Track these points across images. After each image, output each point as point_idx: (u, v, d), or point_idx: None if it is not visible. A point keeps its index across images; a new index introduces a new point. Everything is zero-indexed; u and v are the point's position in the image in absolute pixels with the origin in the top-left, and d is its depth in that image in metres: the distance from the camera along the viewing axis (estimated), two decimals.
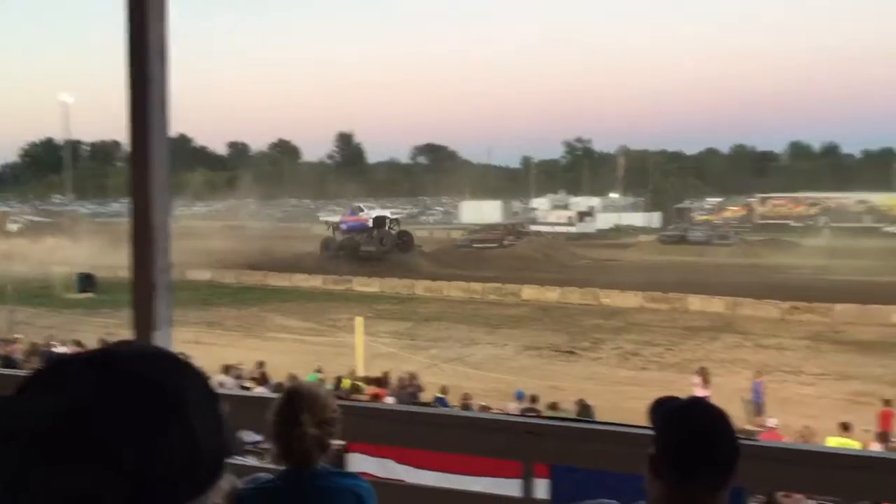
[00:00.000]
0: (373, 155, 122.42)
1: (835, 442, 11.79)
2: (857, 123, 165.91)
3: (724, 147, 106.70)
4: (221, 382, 14.52)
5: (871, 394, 19.06)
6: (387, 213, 47.09)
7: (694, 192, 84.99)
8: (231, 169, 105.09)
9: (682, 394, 2.10)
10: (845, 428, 13.06)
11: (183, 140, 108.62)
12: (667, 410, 1.85)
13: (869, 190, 67.23)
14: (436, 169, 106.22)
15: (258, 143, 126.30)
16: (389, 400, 14.39)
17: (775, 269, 41.88)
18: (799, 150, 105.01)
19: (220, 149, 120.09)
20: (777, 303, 30.92)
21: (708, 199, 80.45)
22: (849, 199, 66.07)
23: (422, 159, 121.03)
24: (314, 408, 2.39)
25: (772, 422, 14.33)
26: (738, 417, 16.41)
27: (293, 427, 2.34)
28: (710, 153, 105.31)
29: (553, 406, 15.30)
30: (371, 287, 38.43)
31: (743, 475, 3.36)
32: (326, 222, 47.74)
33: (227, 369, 16.73)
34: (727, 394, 18.34)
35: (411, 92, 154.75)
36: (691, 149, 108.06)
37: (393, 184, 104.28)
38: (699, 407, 1.85)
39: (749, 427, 14.73)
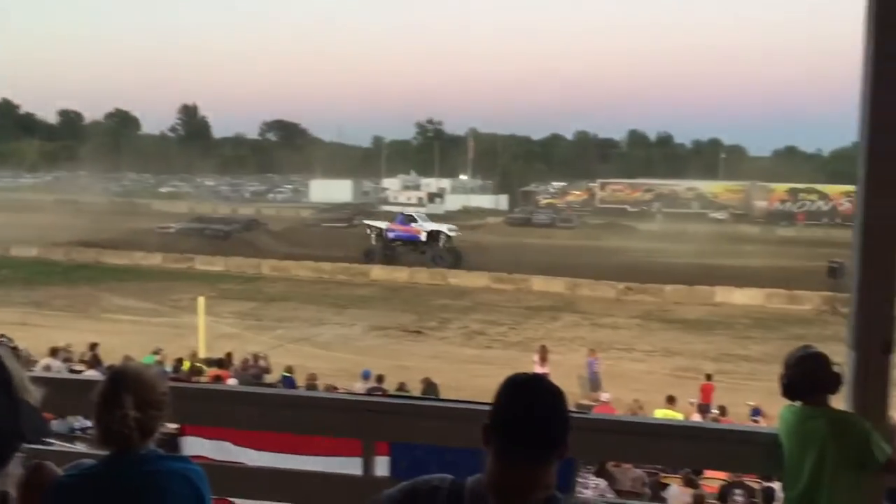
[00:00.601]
0: (219, 129, 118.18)
1: (661, 414, 12.58)
2: (688, 115, 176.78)
3: (569, 133, 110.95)
4: (48, 366, 13.64)
5: (694, 368, 20.48)
6: (443, 227, 40.37)
7: (540, 176, 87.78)
8: (62, 139, 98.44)
9: (524, 371, 2.14)
10: (671, 401, 13.96)
11: (7, 106, 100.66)
12: (503, 384, 1.89)
13: (698, 178, 71.91)
14: (286, 146, 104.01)
15: (94, 112, 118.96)
16: (232, 381, 14.02)
17: (613, 251, 44.03)
18: (636, 139, 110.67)
19: (50, 117, 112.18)
20: (613, 283, 32.56)
21: (553, 184, 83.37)
22: (680, 186, 70.35)
23: (271, 136, 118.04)
24: (138, 389, 2.27)
25: (605, 396, 15.09)
26: (575, 393, 17.24)
27: (113, 409, 2.21)
28: (556, 139, 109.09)
29: (400, 386, 15.43)
30: (215, 266, 37.22)
31: (576, 447, 3.51)
32: (369, 226, 41.31)
33: (54, 352, 15.70)
34: (565, 370, 19.16)
35: (260, 65, 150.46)
36: (538, 134, 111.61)
37: (240, 160, 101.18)
38: (531, 382, 1.89)
39: (584, 402, 15.44)
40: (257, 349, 19.71)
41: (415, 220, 40.16)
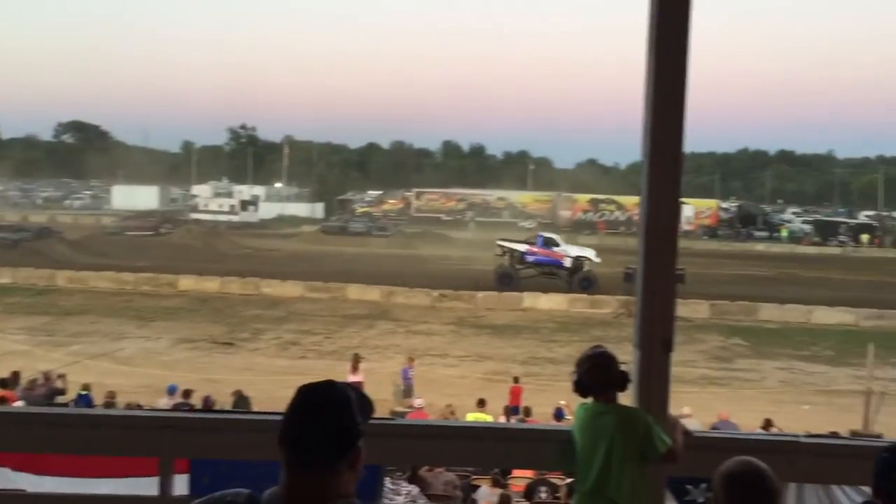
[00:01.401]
0: (9, 130, 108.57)
1: (472, 417, 12.93)
2: (499, 128, 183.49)
3: (385, 143, 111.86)
4: None
5: (504, 372, 21.21)
6: (590, 253, 38.18)
7: (356, 184, 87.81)
8: None
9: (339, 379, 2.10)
10: (481, 404, 14.39)
11: None
12: (294, 394, 1.87)
13: (508, 188, 74.75)
14: (85, 149, 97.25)
15: None
16: (19, 403, 12.88)
17: (428, 259, 44.81)
18: (451, 150, 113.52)
19: None
20: (428, 291, 33.12)
21: (369, 192, 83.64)
22: (491, 195, 72.80)
23: (68, 137, 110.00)
24: None
25: (419, 402, 15.29)
26: (389, 401, 17.36)
27: None
28: (373, 148, 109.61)
29: (205, 400, 14.83)
30: (1, 278, 34.15)
31: (385, 453, 3.55)
32: (502, 247, 38.26)
33: None
34: (380, 378, 19.26)
35: (55, 63, 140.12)
36: (355, 143, 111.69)
37: (33, 163, 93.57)
38: (314, 390, 1.87)
39: (398, 408, 15.57)
40: (50, 367, 18.24)
41: (556, 244, 38.32)
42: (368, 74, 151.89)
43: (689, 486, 3.55)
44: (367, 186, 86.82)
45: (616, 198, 67.56)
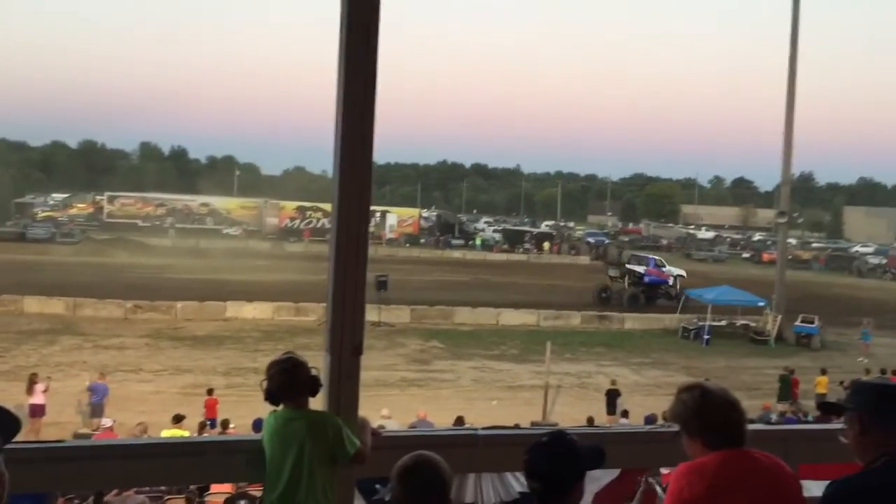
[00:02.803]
0: None
1: (168, 434, 12.27)
2: (203, 131, 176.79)
3: (73, 142, 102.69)
4: None
5: (205, 385, 20.37)
6: (682, 272, 41.90)
7: (37, 186, 79.58)
8: None
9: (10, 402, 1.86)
10: (178, 420, 13.70)
11: None
12: None
13: (212, 194, 72.25)
14: None
15: None
16: None
17: (121, 268, 41.82)
18: (149, 152, 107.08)
19: None
20: (121, 302, 30.91)
21: (53, 195, 76.28)
22: (194, 201, 69.80)
23: None
24: None
25: (107, 422, 14.21)
26: (73, 422, 15.93)
27: None
28: (57, 147, 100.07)
29: None
30: None
31: (58, 479, 3.23)
32: (622, 270, 41.19)
33: None
34: (65, 398, 17.62)
35: None
36: (36, 140, 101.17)
37: None
38: None
39: (84, 430, 14.32)
40: None
41: (664, 266, 41.60)
42: (59, 69, 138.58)
43: (377, 486, 3.66)
44: (50, 189, 79.03)
45: (323, 205, 68.15)
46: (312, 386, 3.30)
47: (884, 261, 64.82)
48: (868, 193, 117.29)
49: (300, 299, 32.21)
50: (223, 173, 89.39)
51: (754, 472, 2.60)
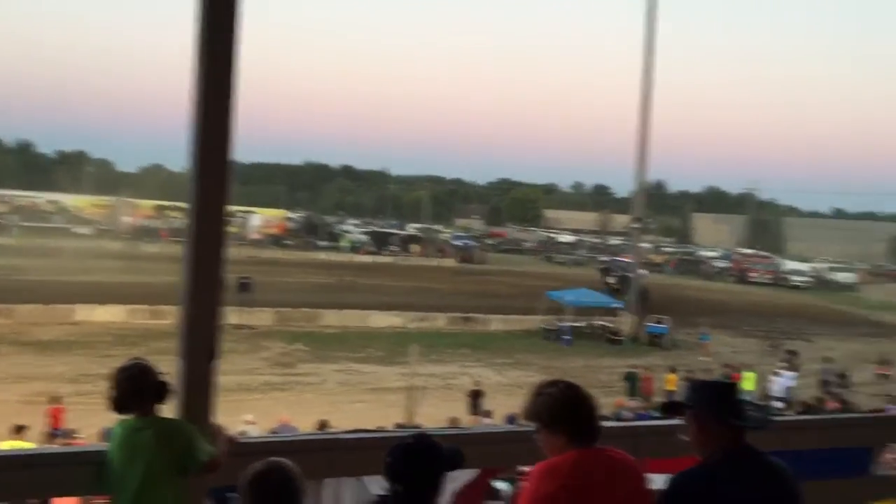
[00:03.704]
0: None
1: (8, 446, 11.46)
2: (53, 124, 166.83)
3: None
4: None
5: (51, 392, 19.19)
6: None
7: None
8: None
9: None
10: (18, 430, 12.83)
11: None
12: None
13: (61, 191, 68.23)
14: None
15: None
16: None
17: None
18: None
19: None
20: None
21: None
22: (41, 198, 65.76)
23: None
24: None
25: None
26: None
27: None
28: None
29: None
30: None
31: None
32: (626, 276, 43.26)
33: None
34: None
35: None
36: None
37: None
38: None
39: None
40: None
41: None
42: None
43: (229, 494, 3.54)
44: None
45: (183, 205, 65.69)
46: (161, 392, 3.16)
47: (728, 264, 69.26)
48: (715, 201, 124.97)
49: (157, 302, 30.83)
50: (74, 169, 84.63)
51: (607, 469, 2.70)
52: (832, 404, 20.63)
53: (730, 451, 2.65)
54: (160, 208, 64.68)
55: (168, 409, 3.23)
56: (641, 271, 46.05)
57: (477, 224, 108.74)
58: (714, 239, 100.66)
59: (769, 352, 29.80)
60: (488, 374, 26.43)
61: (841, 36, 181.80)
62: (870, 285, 61.55)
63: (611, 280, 45.15)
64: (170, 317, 29.80)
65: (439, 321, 34.73)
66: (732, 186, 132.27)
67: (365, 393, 23.58)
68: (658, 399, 21.96)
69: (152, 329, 28.83)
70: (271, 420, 15.64)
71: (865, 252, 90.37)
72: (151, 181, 79.97)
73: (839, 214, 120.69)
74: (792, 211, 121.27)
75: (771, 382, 24.52)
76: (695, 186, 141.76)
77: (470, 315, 35.99)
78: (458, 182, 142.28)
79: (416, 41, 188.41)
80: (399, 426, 15.79)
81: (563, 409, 2.75)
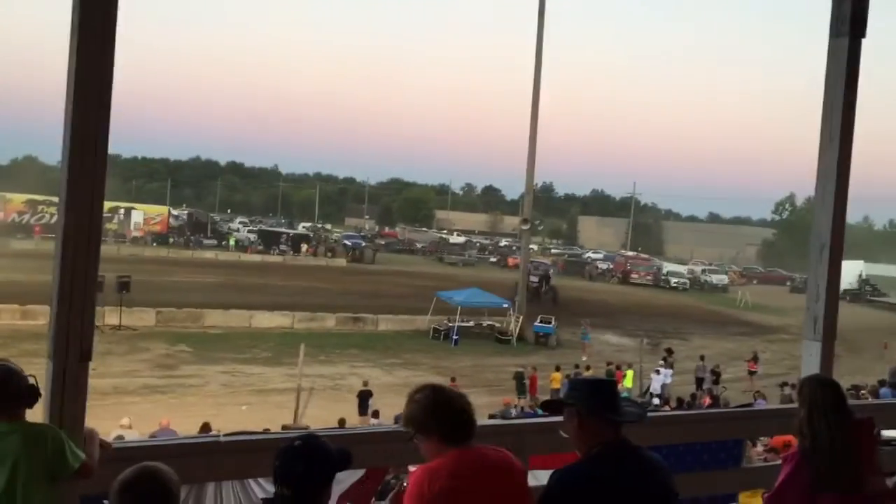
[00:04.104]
0: None
1: None
2: None
3: None
4: None
5: None
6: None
7: None
8: None
9: None
10: None
11: None
12: None
13: None
14: None
15: None
16: None
17: None
18: None
19: None
20: None
21: None
22: None
23: None
24: None
25: None
26: None
27: None
28: None
29: None
30: None
31: None
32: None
33: None
34: None
35: None
36: None
37: None
38: None
39: None
40: None
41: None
42: None
43: (105, 501, 3.40)
44: None
45: (57, 199, 62.54)
46: (29, 396, 2.99)
47: (611, 266, 71.66)
48: (600, 204, 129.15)
49: (28, 301, 29.29)
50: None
51: (485, 468, 2.74)
52: (706, 400, 21.68)
53: (607, 446, 2.75)
54: (33, 203, 61.31)
55: (36, 414, 3.06)
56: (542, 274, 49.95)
57: (368, 224, 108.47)
58: (598, 241, 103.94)
59: (648, 350, 30.96)
60: (377, 374, 26.38)
61: (725, 42, 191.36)
62: (741, 287, 64.94)
63: (533, 279, 47.00)
64: (42, 317, 28.35)
65: (328, 321, 34.42)
66: (616, 191, 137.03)
67: (251, 394, 23.11)
68: (544, 397, 22.50)
69: (21, 330, 27.35)
70: (151, 424, 15.07)
71: (737, 255, 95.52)
72: (24, 174, 75.80)
73: (714, 219, 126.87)
74: (671, 215, 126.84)
75: (650, 380, 25.54)
76: (581, 190, 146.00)
77: (360, 315, 35.82)
78: (349, 181, 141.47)
79: (311, 38, 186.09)
80: (286, 428, 15.55)
81: (433, 412, 2.80)
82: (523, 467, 2.96)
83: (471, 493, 2.67)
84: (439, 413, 2.79)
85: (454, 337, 32.90)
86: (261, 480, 3.68)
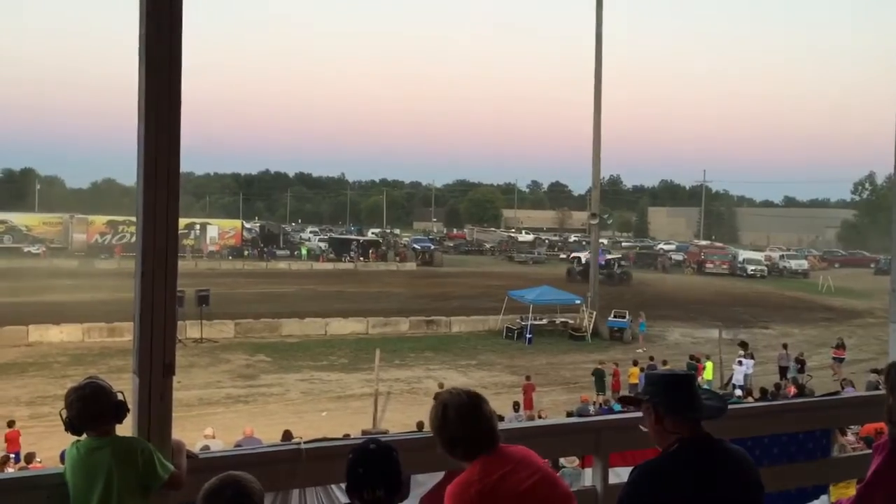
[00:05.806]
0: None
1: None
2: None
3: None
4: None
5: (6, 416, 18.77)
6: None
7: None
8: None
9: None
10: None
11: None
12: None
13: (9, 209, 66.78)
14: None
15: None
16: None
17: None
18: None
19: None
20: None
21: None
22: None
23: None
24: None
25: None
26: None
27: None
28: None
29: None
30: None
31: None
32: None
33: None
34: None
35: None
36: None
37: None
38: None
39: None
40: None
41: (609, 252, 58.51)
42: None
43: None
44: None
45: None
46: (117, 411, 3.10)
47: (685, 256, 70.27)
48: (670, 194, 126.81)
49: (113, 319, 30.34)
50: (22, 186, 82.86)
51: (514, 469, 2.78)
52: (791, 389, 21.04)
53: (687, 441, 2.70)
54: (114, 224, 63.59)
55: (126, 428, 3.17)
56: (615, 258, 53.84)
57: (436, 227, 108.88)
58: (669, 231, 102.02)
59: (728, 341, 30.23)
60: (453, 375, 26.45)
61: (790, 29, 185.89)
62: (822, 271, 62.88)
63: (577, 267, 48.21)
64: (128, 334, 29.35)
65: (402, 325, 34.68)
66: (686, 180, 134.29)
67: (329, 401, 23.43)
68: (626, 393, 22.18)
69: (109, 347, 28.39)
70: (234, 433, 15.43)
71: (817, 239, 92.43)
72: (104, 196, 78.70)
73: (790, 203, 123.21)
74: (744, 201, 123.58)
75: (731, 371, 24.94)
76: (650, 181, 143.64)
77: (432, 318, 36.00)
78: (415, 185, 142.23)
79: (371, 50, 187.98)
80: (365, 433, 15.73)
81: (455, 428, 2.84)
82: (545, 462, 3.03)
83: (502, 496, 2.74)
84: (463, 426, 2.85)
85: (528, 335, 32.74)
86: (343, 486, 3.72)
